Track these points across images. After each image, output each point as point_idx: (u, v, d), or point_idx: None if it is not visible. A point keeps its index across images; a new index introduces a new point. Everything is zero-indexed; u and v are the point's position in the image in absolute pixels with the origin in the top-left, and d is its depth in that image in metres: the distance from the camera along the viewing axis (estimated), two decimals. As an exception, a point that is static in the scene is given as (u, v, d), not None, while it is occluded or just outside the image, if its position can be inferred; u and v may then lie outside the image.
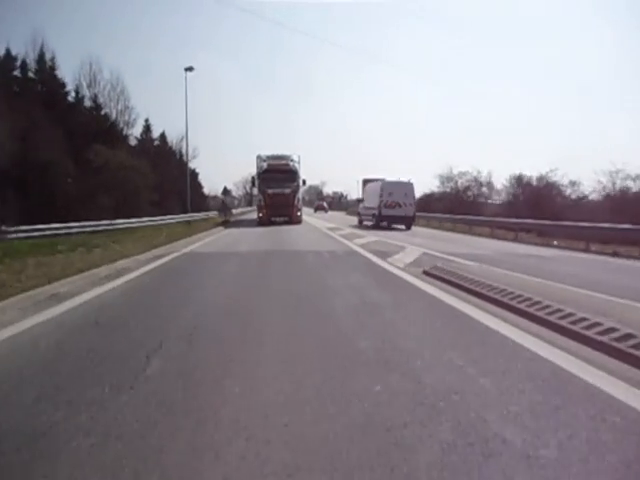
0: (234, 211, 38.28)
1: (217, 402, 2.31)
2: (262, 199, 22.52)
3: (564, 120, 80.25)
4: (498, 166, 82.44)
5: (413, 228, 21.43)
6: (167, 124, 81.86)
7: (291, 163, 23.39)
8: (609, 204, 20.63)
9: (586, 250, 12.92)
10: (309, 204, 64.03)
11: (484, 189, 35.26)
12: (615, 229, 13.75)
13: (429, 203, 39.23)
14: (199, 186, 45.15)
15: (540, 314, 3.97)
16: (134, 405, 2.27)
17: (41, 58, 23.38)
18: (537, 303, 4.24)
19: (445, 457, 1.76)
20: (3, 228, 11.45)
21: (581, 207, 22.78)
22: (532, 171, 30.91)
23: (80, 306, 4.66)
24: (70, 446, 1.87)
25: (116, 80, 30.44)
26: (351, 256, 9.43)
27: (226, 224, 23.21)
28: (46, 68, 23.68)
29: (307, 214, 34.01)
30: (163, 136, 39.06)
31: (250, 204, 62.84)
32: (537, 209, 23.07)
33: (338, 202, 79.55)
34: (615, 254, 11.87)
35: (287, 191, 22.18)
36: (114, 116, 30.48)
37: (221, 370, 2.78)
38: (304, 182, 25.64)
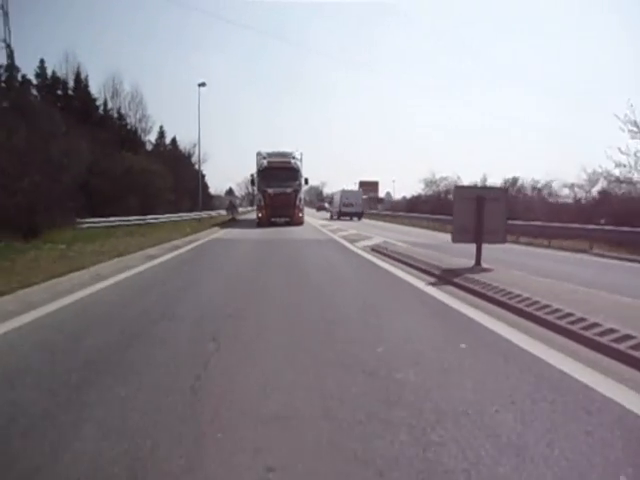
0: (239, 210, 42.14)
1: (259, 280, 6.31)
2: (262, 198, 21.13)
3: (554, 123, 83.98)
4: (496, 168, 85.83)
5: (387, 225, 25.80)
6: (171, 122, 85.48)
7: (293, 161, 21.72)
8: (549, 207, 24.59)
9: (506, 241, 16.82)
10: (309, 204, 67.99)
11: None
12: (541, 226, 17.69)
13: (417, 205, 43.44)
14: (206, 186, 49.10)
15: (419, 265, 7.81)
16: (223, 280, 6.28)
17: (77, 77, 27.42)
18: (424, 262, 8.04)
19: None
20: (78, 220, 15.43)
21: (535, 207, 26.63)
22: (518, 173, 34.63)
23: (170, 260, 8.71)
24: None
25: (135, 92, 34.44)
26: (330, 240, 13.42)
27: (233, 221, 26.95)
28: (81, 86, 27.71)
29: (309, 214, 33.22)
30: (174, 141, 42.99)
31: (252, 204, 66.56)
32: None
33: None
34: (530, 244, 15.83)
35: (288, 190, 20.80)
36: (134, 124, 34.50)
37: (255, 274, 6.79)
38: (306, 181, 23.49)
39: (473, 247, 7.19)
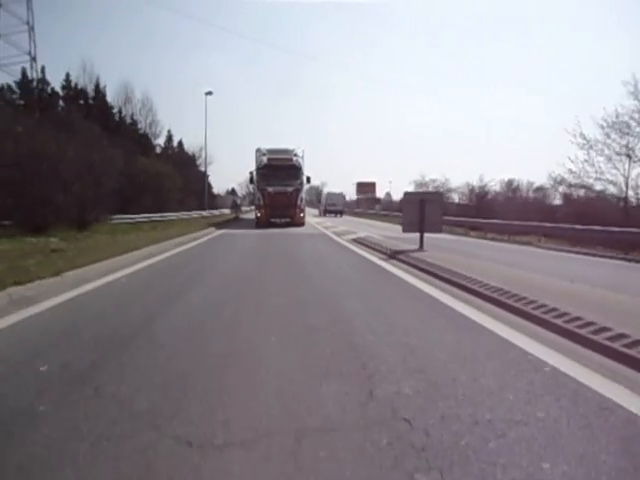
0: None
1: (259, 261, 9.17)
2: (261, 197, 20.11)
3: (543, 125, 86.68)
4: (493, 168, 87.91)
5: (377, 223, 28.71)
6: (174, 123, 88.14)
7: (294, 158, 20.36)
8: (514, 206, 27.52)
9: (467, 234, 19.70)
10: (309, 204, 70.54)
11: (451, 194, 41.91)
12: (509, 224, 20.51)
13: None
14: (209, 186, 51.97)
15: (381, 249, 10.68)
16: (238, 255, 9.16)
17: (97, 87, 30.32)
18: (385, 247, 10.97)
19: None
20: (110, 217, 18.35)
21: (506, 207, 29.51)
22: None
23: (196, 247, 11.59)
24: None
25: (146, 99, 37.31)
26: (322, 234, 16.25)
27: (236, 220, 29.64)
28: (100, 96, 30.59)
29: (309, 214, 34.03)
30: (181, 143, 45.82)
31: (252, 203, 69.13)
32: (478, 209, 29.91)
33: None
34: (492, 239, 18.64)
35: (289, 189, 19.78)
36: (144, 129, 37.36)
37: (259, 256, 9.65)
38: (308, 179, 21.79)
39: (435, 237, 10.09)
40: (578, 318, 3.72)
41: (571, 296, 4.72)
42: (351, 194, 75.77)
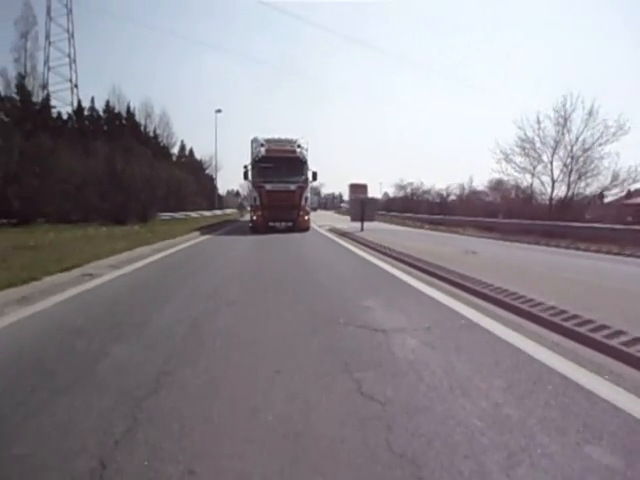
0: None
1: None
2: (257, 196, 17.14)
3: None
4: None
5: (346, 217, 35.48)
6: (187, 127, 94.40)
7: (298, 149, 17.64)
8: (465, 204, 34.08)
9: (421, 227, 26.25)
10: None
11: (427, 195, 48.55)
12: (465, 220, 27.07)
13: (391, 204, 53.25)
14: (216, 188, 58.70)
15: (340, 232, 17.29)
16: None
17: (128, 109, 36.95)
18: (343, 231, 17.55)
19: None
20: (158, 214, 24.96)
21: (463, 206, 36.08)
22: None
23: (220, 234, 18.22)
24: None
25: (164, 114, 43.91)
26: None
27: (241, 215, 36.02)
28: (130, 116, 37.13)
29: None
30: (191, 151, 52.50)
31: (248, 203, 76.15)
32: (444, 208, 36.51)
33: (332, 202, 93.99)
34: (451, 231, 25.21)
35: (292, 187, 17.11)
36: (164, 141, 43.98)
37: (260, 242, 16.25)
38: (314, 176, 18.44)
39: (379, 227, 16.60)
40: (435, 265, 10.31)
41: (434, 256, 11.31)
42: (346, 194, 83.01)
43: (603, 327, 3.63)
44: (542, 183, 24.69)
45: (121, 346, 3.38)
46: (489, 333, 3.76)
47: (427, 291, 5.73)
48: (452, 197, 42.89)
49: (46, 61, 34.53)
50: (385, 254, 10.15)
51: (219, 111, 41.69)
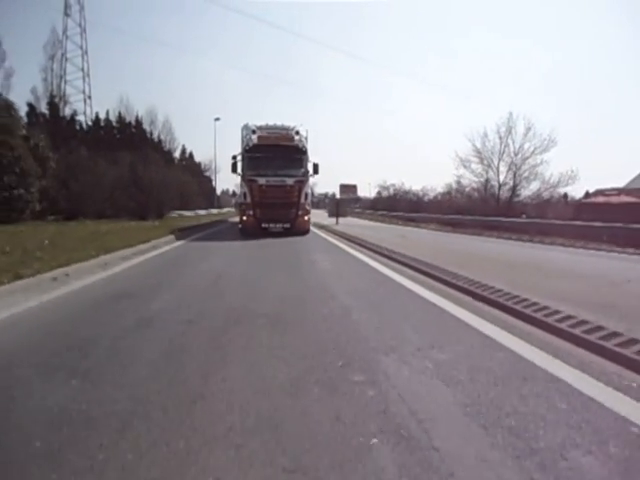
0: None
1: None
2: (247, 193, 14.85)
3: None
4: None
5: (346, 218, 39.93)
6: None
7: (296, 137, 15.27)
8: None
9: (390, 223, 30.84)
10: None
11: (409, 195, 53.16)
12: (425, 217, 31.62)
13: (376, 203, 57.91)
14: (214, 189, 63.01)
15: (320, 226, 21.80)
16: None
17: (137, 119, 41.11)
18: (322, 225, 22.06)
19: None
20: (170, 212, 29.26)
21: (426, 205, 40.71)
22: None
23: (225, 224, 22.68)
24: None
25: (167, 120, 48.13)
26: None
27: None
28: (139, 124, 41.33)
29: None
30: (191, 154, 56.76)
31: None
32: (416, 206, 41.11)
33: (323, 201, 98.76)
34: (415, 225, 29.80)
35: (289, 181, 14.86)
36: (167, 145, 48.22)
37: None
38: (316, 168, 16.09)
39: (357, 222, 21.08)
40: (370, 242, 14.86)
41: (375, 238, 15.84)
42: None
43: (436, 267, 8.14)
44: (492, 186, 29.29)
45: (196, 265, 7.91)
46: (375, 270, 8.20)
47: (354, 253, 10.28)
48: (429, 197, 47.42)
49: (63, 75, 38.73)
50: (344, 238, 14.62)
51: (218, 119, 45.96)
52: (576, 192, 39.49)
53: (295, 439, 2.04)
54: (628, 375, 2.86)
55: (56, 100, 32.34)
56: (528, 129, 27.18)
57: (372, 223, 27.42)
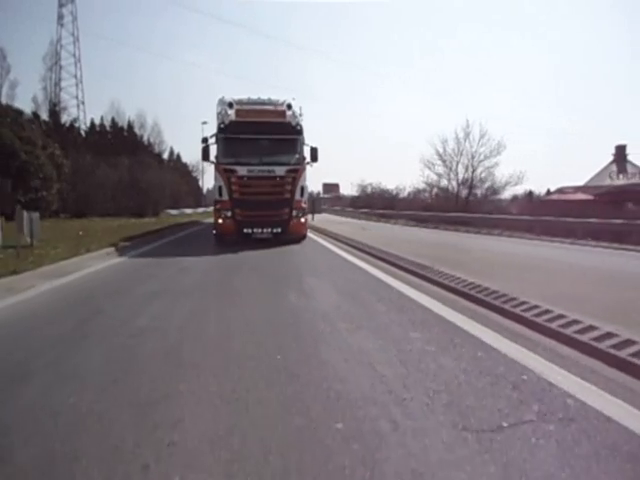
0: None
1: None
2: (223, 186, 11.15)
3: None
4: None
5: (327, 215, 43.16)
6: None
7: (288, 112, 11.43)
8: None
9: (362, 218, 34.25)
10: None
11: (386, 194, 56.75)
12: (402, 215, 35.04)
13: (356, 201, 61.42)
14: (201, 189, 65.78)
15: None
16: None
17: (129, 124, 43.66)
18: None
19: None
20: (164, 210, 32.07)
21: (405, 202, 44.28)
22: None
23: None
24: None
25: (155, 124, 50.69)
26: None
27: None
28: (130, 129, 43.89)
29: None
30: (179, 156, 59.41)
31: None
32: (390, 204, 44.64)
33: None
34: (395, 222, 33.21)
35: (279, 171, 11.27)
36: (157, 148, 50.82)
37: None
38: (314, 154, 12.14)
39: (331, 218, 24.36)
40: (334, 233, 18.11)
41: (340, 230, 19.12)
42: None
43: (370, 246, 11.44)
44: (453, 187, 32.91)
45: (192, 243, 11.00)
46: (329, 250, 11.40)
47: (321, 241, 13.47)
48: (403, 195, 50.95)
49: (57, 83, 41.04)
50: (317, 231, 17.85)
51: (205, 123, 48.54)
52: (543, 189, 43.79)
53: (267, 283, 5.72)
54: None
55: (57, 109, 34.77)
56: (483, 135, 30.78)
57: (345, 219, 30.67)
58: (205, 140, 11.63)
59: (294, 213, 11.92)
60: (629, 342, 3.04)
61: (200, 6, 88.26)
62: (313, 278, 6.51)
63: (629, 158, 43.53)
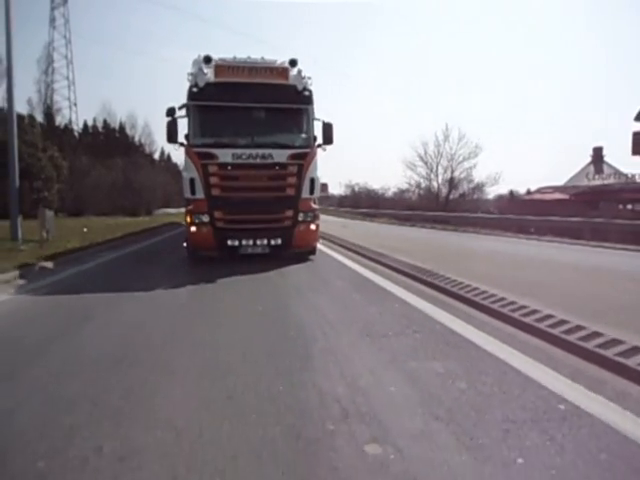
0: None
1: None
2: (197, 180, 7.73)
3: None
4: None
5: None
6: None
7: (293, 71, 8.09)
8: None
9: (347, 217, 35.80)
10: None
11: (372, 194, 58.43)
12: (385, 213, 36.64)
13: (343, 201, 63.05)
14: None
15: None
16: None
17: (121, 125, 44.64)
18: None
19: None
20: (157, 209, 33.22)
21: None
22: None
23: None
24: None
25: (146, 125, 51.67)
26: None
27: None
28: (122, 130, 44.84)
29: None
30: (169, 156, 60.42)
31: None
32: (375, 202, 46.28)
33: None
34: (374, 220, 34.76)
35: (280, 156, 7.97)
36: (147, 149, 51.82)
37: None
38: (328, 134, 8.42)
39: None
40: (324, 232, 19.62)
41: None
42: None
43: (344, 240, 12.94)
44: (434, 187, 34.67)
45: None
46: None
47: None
48: (388, 195, 52.66)
49: (50, 84, 41.84)
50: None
51: (171, 112, 49.73)
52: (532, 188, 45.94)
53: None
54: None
55: (51, 111, 35.72)
56: (461, 137, 32.56)
57: (331, 218, 32.07)
58: (171, 112, 7.76)
59: (300, 217, 8.14)
60: (488, 293, 4.61)
61: (176, 2, 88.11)
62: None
63: (606, 159, 45.62)
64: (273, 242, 8.03)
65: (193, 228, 7.75)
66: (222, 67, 7.74)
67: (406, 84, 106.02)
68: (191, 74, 7.84)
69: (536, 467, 1.85)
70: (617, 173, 38.35)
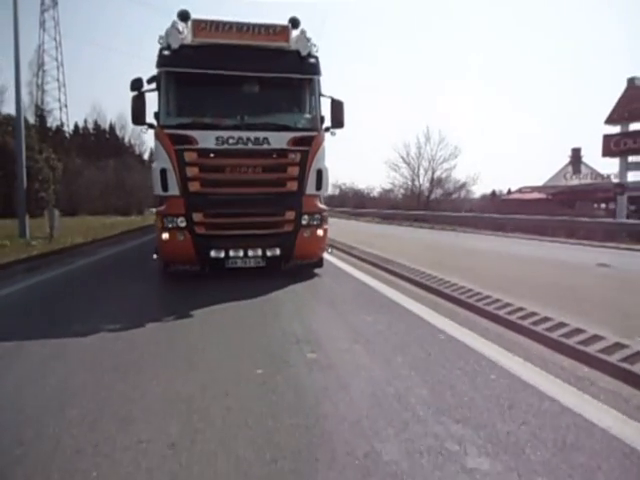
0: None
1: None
2: (172, 171, 5.81)
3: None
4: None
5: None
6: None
7: (294, 33, 6.27)
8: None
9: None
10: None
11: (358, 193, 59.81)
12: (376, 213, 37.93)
13: (331, 200, 64.41)
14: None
15: None
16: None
17: (111, 126, 45.32)
18: None
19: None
20: (148, 208, 34.13)
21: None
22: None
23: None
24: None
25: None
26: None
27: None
28: (112, 131, 45.50)
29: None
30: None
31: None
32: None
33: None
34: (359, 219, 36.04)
35: (278, 141, 6.09)
36: (137, 149, 52.48)
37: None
38: (337, 114, 6.47)
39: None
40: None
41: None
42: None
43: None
44: (416, 187, 36.11)
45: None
46: None
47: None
48: (373, 194, 54.10)
49: (40, 86, 42.32)
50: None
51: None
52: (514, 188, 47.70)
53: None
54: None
55: (43, 113, 36.40)
56: (441, 139, 34.08)
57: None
58: (137, 85, 5.98)
59: (304, 220, 6.41)
60: (426, 274, 5.87)
61: (167, 5, 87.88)
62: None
63: (584, 160, 47.44)
64: (269, 253, 6.20)
65: (165, 235, 5.85)
66: (203, 25, 5.96)
67: (395, 85, 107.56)
68: (163, 37, 5.90)
69: (413, 365, 3.10)
70: (594, 173, 39.95)
